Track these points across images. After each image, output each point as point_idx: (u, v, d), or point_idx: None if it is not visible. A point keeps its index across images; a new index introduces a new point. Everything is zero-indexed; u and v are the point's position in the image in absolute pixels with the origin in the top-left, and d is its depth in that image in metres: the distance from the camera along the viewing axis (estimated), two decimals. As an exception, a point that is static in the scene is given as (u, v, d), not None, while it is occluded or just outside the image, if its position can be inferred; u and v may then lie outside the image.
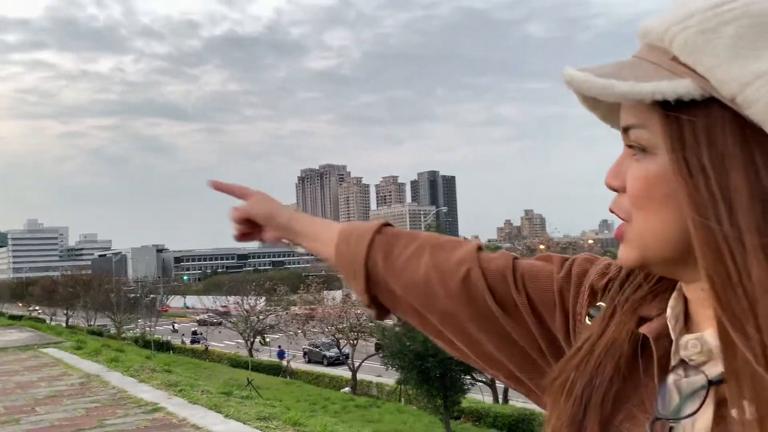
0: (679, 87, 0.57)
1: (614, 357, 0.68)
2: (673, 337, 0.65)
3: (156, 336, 45.26)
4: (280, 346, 37.89)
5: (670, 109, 0.58)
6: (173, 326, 57.07)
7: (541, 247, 37.71)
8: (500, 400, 22.03)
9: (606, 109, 0.69)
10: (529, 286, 0.83)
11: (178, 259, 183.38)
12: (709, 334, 0.62)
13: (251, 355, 36.07)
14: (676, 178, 0.57)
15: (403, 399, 23.37)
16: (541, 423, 0.82)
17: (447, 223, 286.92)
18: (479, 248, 0.90)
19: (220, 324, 45.10)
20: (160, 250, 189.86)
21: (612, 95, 0.60)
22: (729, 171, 0.55)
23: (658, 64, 0.59)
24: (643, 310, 0.69)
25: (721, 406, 0.59)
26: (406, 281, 0.91)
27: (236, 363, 33.79)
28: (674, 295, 0.67)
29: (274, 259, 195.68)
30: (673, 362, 0.64)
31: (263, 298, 42.41)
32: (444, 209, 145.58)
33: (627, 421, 0.65)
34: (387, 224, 0.99)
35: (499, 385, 22.23)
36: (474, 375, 17.12)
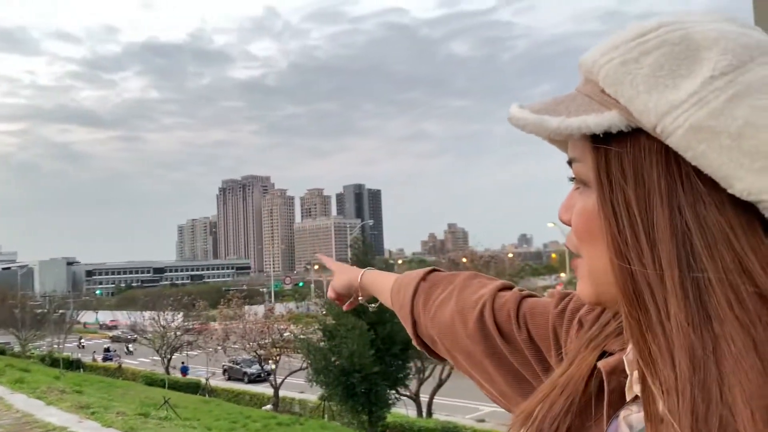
0: (605, 120, 0.56)
1: (570, 392, 0.67)
2: (628, 371, 0.63)
3: (65, 354, 42.93)
4: (183, 362, 36.76)
5: (600, 142, 0.57)
6: (80, 343, 54.27)
7: (464, 260, 38.27)
8: (424, 414, 22.09)
9: (563, 144, 0.66)
10: (529, 322, 0.88)
11: (90, 273, 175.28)
12: None
13: (168, 373, 34.74)
14: (600, 216, 0.57)
15: (326, 415, 23.07)
16: None
17: (373, 237, 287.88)
18: (501, 288, 0.96)
19: (134, 340, 43.27)
20: (70, 263, 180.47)
21: (544, 131, 0.60)
22: (653, 207, 0.53)
23: (591, 96, 0.59)
24: (609, 345, 0.68)
25: None
26: (438, 325, 0.99)
27: (152, 381, 32.43)
28: None
29: (192, 272, 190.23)
30: (628, 397, 0.63)
31: (180, 313, 41.03)
32: (370, 222, 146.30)
33: None
34: (434, 270, 1.09)
35: (423, 399, 22.30)
36: (399, 389, 17.09)
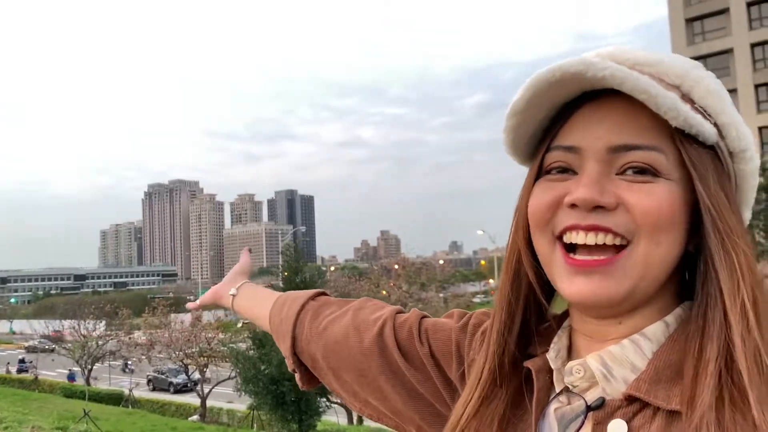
0: (710, 131, 0.66)
1: (500, 395, 0.73)
2: (553, 367, 0.71)
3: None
4: (70, 369, 35.35)
5: (684, 140, 0.66)
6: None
7: (396, 266, 38.47)
8: (354, 422, 22.03)
9: (532, 125, 0.70)
10: (432, 338, 0.91)
11: (4, 280, 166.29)
12: (592, 358, 0.67)
13: (88, 384, 33.31)
14: (703, 206, 0.65)
15: (255, 425, 22.69)
16: None
17: (305, 243, 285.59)
18: (399, 311, 0.99)
19: (52, 351, 41.29)
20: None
21: (650, 99, 0.62)
22: (728, 205, 0.66)
23: (684, 101, 0.67)
24: (531, 350, 0.76)
25: (597, 428, 0.64)
26: (326, 340, 0.98)
27: (71, 393, 31.01)
28: (559, 333, 0.74)
29: (115, 279, 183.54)
30: (556, 390, 0.70)
31: (103, 322, 39.47)
32: (302, 229, 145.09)
33: None
34: (323, 293, 1.10)
35: (354, 406, 22.27)
36: (329, 397, 16.98)
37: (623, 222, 0.64)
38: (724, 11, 40.88)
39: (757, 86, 39.65)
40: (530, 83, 0.64)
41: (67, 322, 40.09)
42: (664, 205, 0.64)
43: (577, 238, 0.65)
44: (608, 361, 0.66)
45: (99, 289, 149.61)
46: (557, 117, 0.68)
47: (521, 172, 0.74)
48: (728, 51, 40.60)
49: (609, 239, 0.64)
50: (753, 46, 39.90)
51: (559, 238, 0.67)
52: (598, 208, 0.64)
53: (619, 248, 0.64)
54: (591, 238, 0.64)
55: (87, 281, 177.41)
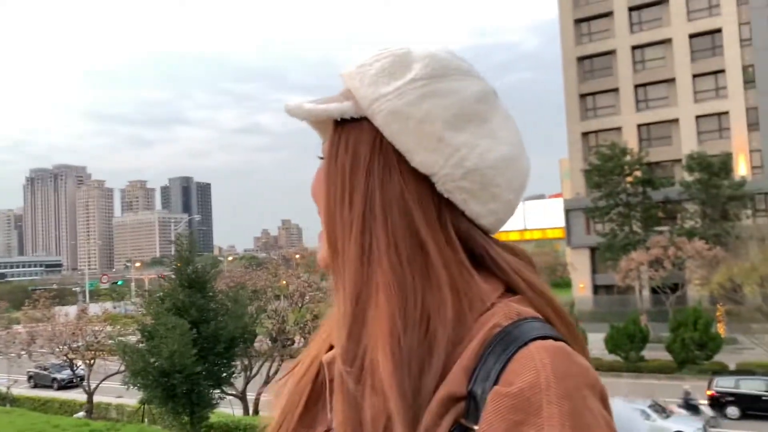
0: (341, 107, 0.73)
1: (301, 390, 0.78)
2: None
3: None
4: None
5: (339, 125, 0.74)
6: None
7: (297, 256, 38.24)
8: (251, 412, 21.78)
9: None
10: None
11: None
12: None
13: (-41, 384, 30.93)
14: (322, 179, 0.75)
15: (146, 419, 21.95)
16: None
17: (201, 233, 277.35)
18: None
19: None
20: None
21: (301, 114, 0.76)
22: (357, 174, 0.71)
23: (340, 94, 0.76)
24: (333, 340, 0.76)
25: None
26: None
27: (-61, 394, 28.72)
28: None
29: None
30: None
31: (-23, 315, 36.77)
32: (197, 217, 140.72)
33: None
34: None
35: (250, 397, 21.99)
36: (223, 389, 16.70)
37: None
38: (609, 14, 43.36)
39: (636, 86, 42.40)
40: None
41: (-66, 317, 37.02)
42: (313, 184, 0.78)
43: None
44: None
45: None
46: None
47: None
48: (611, 52, 43.14)
49: None
50: (633, 48, 42.60)
51: None
52: None
53: None
54: None
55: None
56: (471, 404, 0.60)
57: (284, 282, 25.80)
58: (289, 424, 0.77)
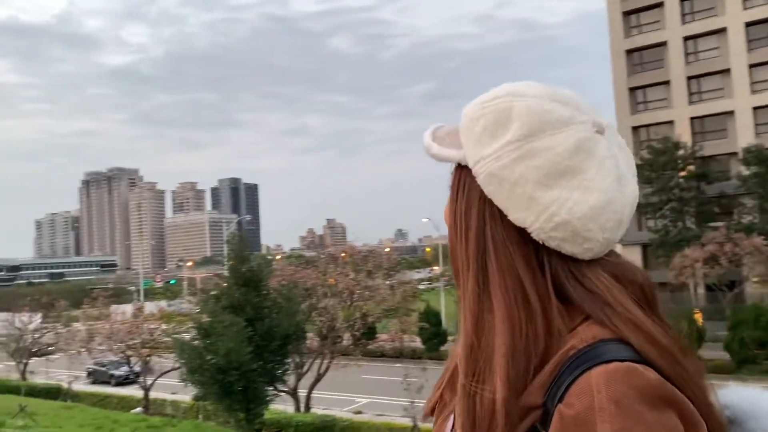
0: (458, 156, 0.84)
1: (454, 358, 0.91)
2: None
3: None
4: None
5: (458, 168, 0.86)
6: None
7: (343, 254, 38.49)
8: (302, 409, 22.05)
9: None
10: None
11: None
12: None
13: (24, 378, 32.21)
14: (448, 213, 0.87)
15: (201, 415, 22.44)
16: (341, 428, 1.00)
17: (250, 232, 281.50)
18: None
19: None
20: None
21: (429, 154, 0.87)
22: (471, 216, 0.83)
23: (459, 136, 0.86)
24: None
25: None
26: None
27: (6, 388, 29.92)
28: None
29: (52, 270, 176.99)
30: None
31: (39, 314, 38.13)
32: (247, 218, 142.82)
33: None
34: None
35: (302, 393, 22.26)
36: (276, 386, 16.95)
37: None
38: (659, 5, 42.22)
39: (689, 78, 41.19)
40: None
41: (0, 315, 38.60)
42: (445, 211, 0.88)
43: None
44: None
45: (34, 281, 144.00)
46: None
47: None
48: (662, 44, 42.02)
49: None
50: (685, 39, 41.40)
51: None
52: None
53: None
54: None
55: (21, 272, 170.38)
56: (544, 415, 0.73)
57: (332, 280, 26.00)
58: (441, 382, 0.95)
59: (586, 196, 0.78)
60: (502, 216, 0.80)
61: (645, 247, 39.96)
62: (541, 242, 0.79)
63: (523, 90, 0.82)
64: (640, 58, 43.15)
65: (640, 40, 42.97)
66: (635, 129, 42.37)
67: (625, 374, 0.71)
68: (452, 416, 0.88)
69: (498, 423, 0.74)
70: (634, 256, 41.03)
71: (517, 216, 0.79)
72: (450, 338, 32.82)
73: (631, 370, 0.71)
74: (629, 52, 43.10)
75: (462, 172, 0.84)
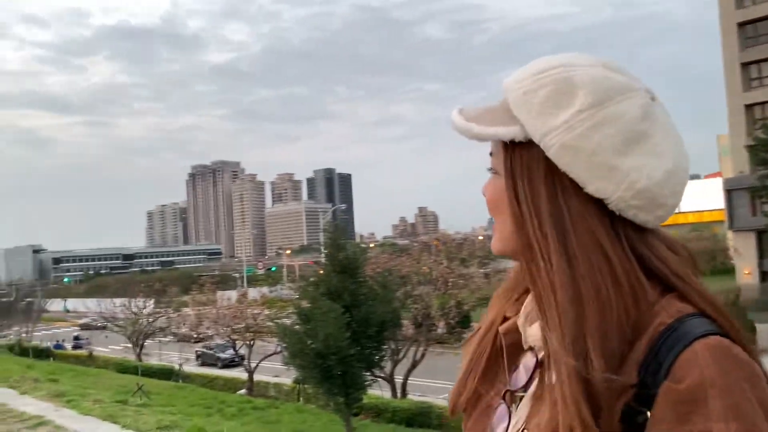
0: (510, 132, 0.80)
1: (483, 350, 0.93)
2: (521, 330, 0.88)
3: (34, 342, 42.23)
4: (58, 341, 38.03)
5: (509, 144, 0.81)
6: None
7: (436, 242, 38.50)
8: (398, 395, 22.32)
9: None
10: None
11: (57, 260, 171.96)
12: (521, 316, 0.88)
13: (140, 360, 34.48)
14: (506, 196, 0.82)
15: (302, 398, 23.15)
16: (437, 415, 1.01)
17: (344, 221, 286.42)
18: None
19: (104, 328, 42.76)
20: (36, 251, 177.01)
21: (470, 135, 0.83)
22: (539, 195, 0.78)
23: (505, 111, 0.82)
24: (508, 312, 0.92)
25: (543, 377, 0.81)
26: None
27: (124, 368, 32.15)
28: (529, 297, 0.87)
29: (162, 259, 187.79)
30: (525, 348, 0.88)
31: (152, 299, 40.63)
32: (341, 207, 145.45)
33: (496, 395, 0.90)
34: None
35: (398, 380, 22.53)
36: (374, 371, 17.23)
37: (489, 209, 0.88)
38: (776, -28, 39.11)
39: (810, 50, 37.96)
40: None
41: (118, 301, 41.43)
42: (488, 196, 0.86)
43: None
44: (524, 318, 0.87)
45: (147, 268, 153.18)
46: None
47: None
48: (779, 14, 38.92)
49: None
50: (806, 7, 38.14)
51: None
52: None
53: None
54: None
55: (135, 261, 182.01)
56: (642, 392, 0.71)
57: (426, 268, 26.06)
58: (474, 375, 0.93)
59: (661, 162, 0.77)
60: (576, 189, 0.77)
61: (760, 233, 37.38)
62: (618, 212, 0.77)
63: (575, 60, 0.81)
64: (754, 30, 40.14)
65: (753, 12, 39.97)
66: (748, 107, 39.56)
67: (726, 349, 0.70)
68: (498, 410, 0.88)
69: (603, 404, 0.71)
70: (748, 242, 38.53)
71: (596, 186, 0.76)
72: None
73: (728, 346, 0.71)
74: (741, 24, 40.20)
75: (515, 149, 0.80)
